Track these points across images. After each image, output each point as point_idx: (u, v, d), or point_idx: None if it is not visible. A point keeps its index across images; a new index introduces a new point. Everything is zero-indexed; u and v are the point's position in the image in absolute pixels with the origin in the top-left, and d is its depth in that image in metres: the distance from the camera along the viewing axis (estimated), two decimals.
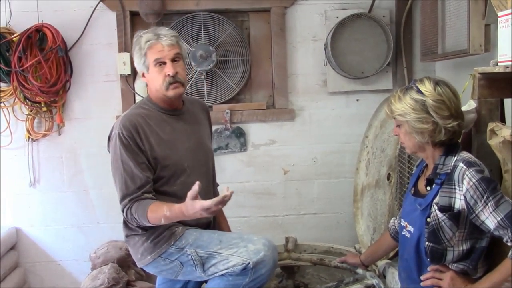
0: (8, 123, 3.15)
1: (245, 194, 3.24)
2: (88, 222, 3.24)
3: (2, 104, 3.12)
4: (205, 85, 3.16)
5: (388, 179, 2.58)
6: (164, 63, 2.05)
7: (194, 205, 1.85)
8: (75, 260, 3.25)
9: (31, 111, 3.12)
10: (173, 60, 2.05)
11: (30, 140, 3.19)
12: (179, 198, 2.00)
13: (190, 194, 1.86)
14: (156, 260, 2.09)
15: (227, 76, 3.17)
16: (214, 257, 2.02)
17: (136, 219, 1.99)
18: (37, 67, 2.97)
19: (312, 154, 3.26)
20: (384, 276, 2.25)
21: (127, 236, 2.14)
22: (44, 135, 3.19)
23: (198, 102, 2.41)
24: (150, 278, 2.95)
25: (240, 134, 3.20)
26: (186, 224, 2.11)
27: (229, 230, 2.42)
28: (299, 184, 3.27)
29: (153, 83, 2.10)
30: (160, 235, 2.07)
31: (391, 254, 2.25)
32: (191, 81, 3.12)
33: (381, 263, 2.29)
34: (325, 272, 2.73)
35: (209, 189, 2.26)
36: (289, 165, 3.26)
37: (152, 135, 2.08)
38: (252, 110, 3.20)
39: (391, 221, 2.09)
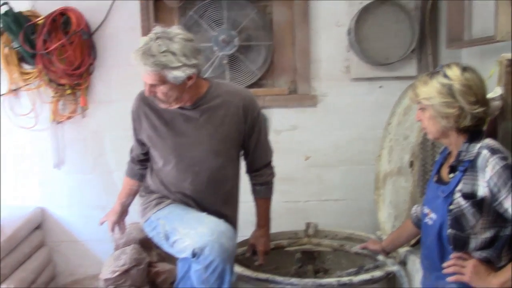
0: (34, 106, 3.20)
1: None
2: (111, 203, 3.19)
3: (27, 87, 3.18)
4: (227, 69, 3.16)
5: (410, 166, 2.56)
6: None
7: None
8: (98, 240, 3.30)
9: (55, 93, 3.17)
10: (152, 85, 2.03)
11: (55, 122, 3.24)
12: (166, 184, 2.25)
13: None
14: (145, 225, 2.28)
15: (249, 61, 3.16)
16: (174, 233, 2.10)
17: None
18: (61, 50, 3.00)
19: (334, 140, 3.24)
20: (405, 264, 2.25)
21: (139, 195, 2.40)
22: (69, 118, 3.23)
23: (237, 96, 2.22)
24: (171, 260, 2.98)
25: (265, 119, 3.18)
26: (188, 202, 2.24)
27: (263, 217, 2.44)
28: (320, 170, 3.26)
29: None
30: (149, 202, 2.25)
31: (413, 241, 2.24)
32: (212, 66, 3.12)
33: (403, 250, 2.29)
34: (345, 258, 2.73)
35: (213, 189, 2.25)
36: (311, 151, 3.25)
37: (146, 118, 2.20)
38: (274, 96, 3.20)
39: (413, 208, 2.08)
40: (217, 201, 2.27)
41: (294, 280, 2.15)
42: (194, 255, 1.99)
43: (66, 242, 3.35)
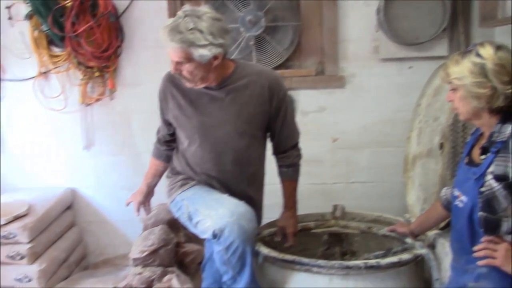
0: (63, 88, 3.25)
1: None
2: (139, 185, 3.31)
3: (57, 69, 3.22)
4: (253, 50, 3.13)
5: (440, 148, 2.51)
6: None
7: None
8: (128, 220, 3.34)
9: (84, 76, 3.20)
10: (176, 62, 2.04)
11: (84, 104, 3.28)
12: (191, 164, 2.26)
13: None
14: (171, 206, 2.32)
15: (276, 41, 3.13)
16: (196, 214, 2.13)
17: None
18: (89, 32, 3.02)
19: (362, 122, 3.20)
20: (434, 247, 2.22)
21: (166, 177, 2.42)
22: (97, 100, 3.27)
23: (263, 76, 2.21)
24: (199, 240, 3.00)
25: (291, 101, 3.14)
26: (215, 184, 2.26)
27: (290, 199, 2.44)
28: (348, 152, 3.23)
29: None
30: (175, 183, 2.28)
31: (442, 224, 2.20)
32: (239, 47, 3.10)
33: (431, 233, 2.25)
34: (373, 241, 2.71)
35: (238, 170, 2.26)
36: (338, 133, 3.22)
37: (173, 98, 2.21)
38: (301, 77, 3.16)
39: (443, 190, 2.04)
40: (241, 182, 2.28)
41: (320, 261, 2.14)
42: (214, 236, 2.01)
43: (96, 222, 3.42)
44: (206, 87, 2.15)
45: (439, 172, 2.50)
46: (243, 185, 2.29)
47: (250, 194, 2.32)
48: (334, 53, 3.14)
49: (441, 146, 2.51)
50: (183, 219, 2.25)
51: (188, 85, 2.12)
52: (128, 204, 2.52)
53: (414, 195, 2.76)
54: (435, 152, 2.57)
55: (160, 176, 2.49)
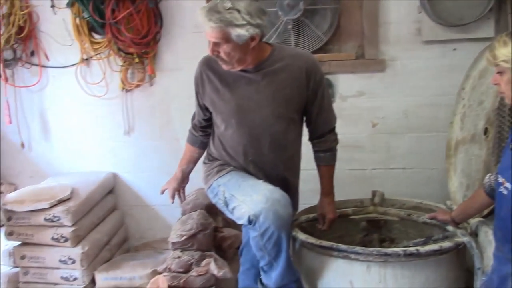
0: (104, 74, 3.30)
1: None
2: None
3: (98, 56, 3.27)
4: (292, 34, 3.09)
5: (485, 133, 2.43)
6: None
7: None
8: (167, 205, 3.36)
9: (124, 62, 3.25)
10: (214, 43, 2.03)
11: (124, 90, 3.33)
12: (227, 149, 2.26)
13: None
14: (208, 192, 2.33)
15: (315, 25, 3.07)
16: (232, 200, 2.13)
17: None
18: (129, 19, 3.05)
19: (403, 106, 3.12)
20: (477, 235, 2.15)
21: (202, 163, 2.43)
22: (137, 86, 3.31)
23: (297, 59, 2.19)
24: (237, 225, 3.02)
25: (327, 85, 3.11)
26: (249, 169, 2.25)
27: (328, 185, 2.41)
28: (388, 137, 3.16)
29: None
30: (212, 169, 2.28)
31: (485, 212, 2.13)
32: (277, 31, 3.07)
33: (474, 221, 2.18)
34: (413, 228, 2.66)
35: (274, 154, 2.24)
36: (378, 118, 3.15)
37: (210, 82, 2.21)
38: (340, 61, 3.11)
39: (487, 177, 1.97)
40: (278, 166, 2.27)
41: (358, 248, 2.11)
42: (250, 222, 2.01)
43: (137, 206, 3.49)
44: (242, 70, 2.14)
45: (483, 158, 2.42)
46: (280, 169, 2.28)
47: (287, 179, 2.31)
48: (374, 36, 3.07)
49: (486, 131, 2.42)
50: (220, 205, 2.26)
51: (225, 67, 2.11)
52: (163, 192, 2.55)
53: (456, 182, 2.68)
54: (479, 138, 2.48)
55: (195, 162, 2.51)
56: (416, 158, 3.14)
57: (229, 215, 2.23)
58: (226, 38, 1.99)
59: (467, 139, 2.63)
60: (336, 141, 2.38)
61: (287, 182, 2.30)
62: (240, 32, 1.97)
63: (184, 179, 2.52)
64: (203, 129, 2.40)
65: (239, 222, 2.13)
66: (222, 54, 2.05)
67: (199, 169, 2.51)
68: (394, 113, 3.13)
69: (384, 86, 3.11)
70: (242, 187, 2.13)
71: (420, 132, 3.11)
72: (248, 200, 2.05)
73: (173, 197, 2.52)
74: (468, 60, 2.77)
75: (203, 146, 2.44)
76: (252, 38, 2.02)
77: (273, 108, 2.17)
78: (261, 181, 2.17)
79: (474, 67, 2.68)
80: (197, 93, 2.32)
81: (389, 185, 3.10)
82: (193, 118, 2.44)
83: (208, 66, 2.23)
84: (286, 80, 2.16)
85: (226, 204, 2.18)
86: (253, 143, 2.21)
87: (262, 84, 2.16)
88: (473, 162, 2.54)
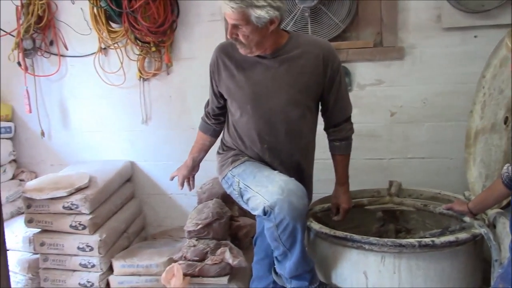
0: (122, 63, 3.32)
1: None
2: None
3: (115, 45, 3.29)
4: (309, 22, 3.05)
5: (505, 123, 2.37)
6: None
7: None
8: (184, 194, 3.40)
9: (141, 51, 3.26)
10: (233, 25, 2.01)
11: (141, 79, 3.35)
12: (242, 137, 2.25)
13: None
14: (222, 182, 2.31)
15: (332, 12, 3.03)
16: (247, 191, 2.12)
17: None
18: (145, 7, 3.05)
19: (422, 95, 3.06)
20: (494, 226, 2.11)
21: (216, 153, 2.41)
22: (154, 75, 3.33)
23: (314, 46, 2.17)
24: (253, 215, 3.02)
25: (345, 73, 3.07)
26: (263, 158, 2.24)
27: (343, 174, 2.40)
28: (406, 126, 3.11)
29: None
30: (227, 159, 2.26)
31: (504, 203, 2.09)
32: (294, 19, 3.04)
33: (492, 212, 2.14)
34: (430, 219, 2.62)
35: (290, 142, 2.22)
36: (396, 107, 3.10)
37: (226, 69, 2.19)
38: (358, 49, 3.06)
39: (505, 167, 1.92)
40: (294, 154, 2.26)
41: (372, 239, 2.09)
42: (265, 213, 2.00)
43: (154, 194, 3.52)
44: (259, 56, 2.14)
45: (503, 148, 2.36)
46: (296, 157, 2.27)
47: (302, 167, 2.30)
48: (393, 23, 3.01)
49: (506, 120, 2.36)
50: (235, 196, 2.25)
51: (243, 51, 2.10)
52: (172, 179, 2.56)
53: (475, 172, 2.63)
54: (499, 127, 2.42)
55: (206, 151, 2.51)
56: (435, 148, 3.08)
57: (244, 206, 2.22)
58: (246, 20, 1.98)
59: (487, 129, 2.57)
60: (352, 130, 2.35)
61: (301, 171, 2.29)
62: (260, 14, 1.96)
63: (194, 167, 2.52)
64: (216, 117, 2.39)
65: (254, 212, 2.13)
66: (240, 37, 2.04)
67: (215, 158, 2.51)
68: (412, 101, 3.07)
69: (402, 74, 3.06)
70: (257, 177, 2.12)
71: (439, 121, 3.05)
72: (263, 191, 2.04)
73: (182, 185, 2.53)
74: (489, 48, 2.70)
75: (216, 134, 2.45)
76: (271, 21, 2.01)
77: (290, 95, 2.16)
78: (276, 172, 2.16)
79: (494, 55, 2.61)
80: (212, 80, 2.31)
81: (406, 175, 3.05)
82: (206, 106, 2.44)
83: (224, 52, 2.22)
84: (303, 67, 2.15)
85: (241, 195, 2.17)
86: (269, 130, 2.19)
87: (279, 71, 2.15)
88: (492, 152, 2.48)
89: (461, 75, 2.97)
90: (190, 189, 2.60)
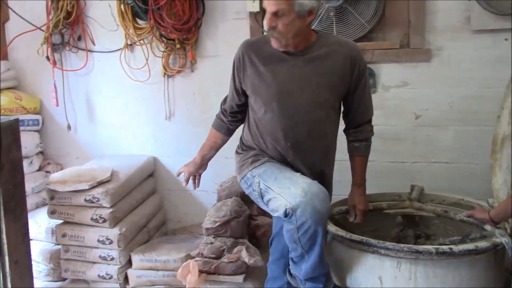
0: (147, 60, 3.35)
1: (372, 137, 3.07)
2: (217, 156, 3.31)
3: (141, 42, 3.32)
4: (334, 22, 3.02)
5: None
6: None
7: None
8: (204, 191, 3.44)
9: (166, 48, 3.28)
10: (274, 13, 2.00)
11: (166, 76, 3.37)
12: (264, 136, 2.22)
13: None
14: (241, 182, 2.29)
15: (358, 12, 2.98)
16: (268, 192, 2.08)
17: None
18: (171, 4, 3.07)
19: (448, 98, 2.99)
20: None
21: (235, 153, 2.39)
22: (178, 72, 3.35)
23: (342, 47, 2.19)
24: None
25: (370, 74, 3.03)
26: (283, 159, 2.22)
27: (361, 176, 2.36)
28: (431, 130, 3.04)
29: None
30: (247, 159, 2.24)
31: None
32: (319, 18, 3.01)
33: None
34: (452, 225, 2.56)
35: (313, 142, 2.20)
36: (422, 110, 3.04)
37: (252, 65, 2.18)
38: (383, 50, 3.01)
39: None
40: (316, 155, 2.24)
41: (388, 244, 2.05)
42: (286, 215, 1.98)
43: (176, 190, 3.54)
44: (287, 54, 2.14)
45: None
46: (317, 158, 2.25)
47: (323, 168, 2.29)
48: (420, 25, 2.95)
49: None
50: (254, 196, 2.23)
51: (277, 44, 2.09)
52: (178, 174, 2.55)
53: (500, 179, 2.55)
54: None
55: (217, 149, 2.50)
56: (460, 153, 3.01)
57: (263, 207, 2.20)
58: (290, 7, 1.99)
59: None
60: (372, 132, 2.34)
61: (322, 172, 2.28)
62: (303, 2, 1.99)
63: (202, 165, 2.51)
64: (234, 114, 2.38)
65: (274, 214, 2.11)
66: (280, 27, 2.03)
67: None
68: (438, 105, 3.01)
69: (429, 76, 2.99)
70: (279, 179, 2.10)
71: (465, 125, 2.98)
72: (286, 192, 2.01)
73: (187, 181, 2.51)
74: None
75: (229, 133, 2.44)
76: (310, 12, 2.04)
77: (316, 94, 2.15)
78: (298, 174, 2.14)
79: None
80: (235, 76, 2.29)
81: (430, 180, 2.99)
82: (223, 103, 2.43)
83: (251, 48, 2.21)
84: (331, 67, 2.15)
85: (261, 196, 2.15)
86: (294, 128, 2.17)
87: (306, 69, 2.14)
88: None
89: (490, 79, 2.89)
90: (195, 187, 2.57)
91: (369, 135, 2.34)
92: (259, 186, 2.15)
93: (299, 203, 1.95)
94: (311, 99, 2.15)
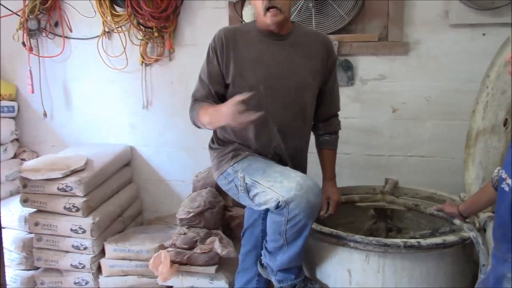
0: (124, 48, 3.31)
1: (349, 130, 3.03)
2: (195, 146, 3.33)
3: (119, 29, 3.27)
4: (313, 13, 2.99)
5: (504, 125, 2.30)
6: None
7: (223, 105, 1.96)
8: (181, 181, 3.42)
9: (144, 36, 3.24)
10: None
11: (143, 64, 3.33)
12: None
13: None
14: (220, 178, 2.22)
15: (338, 4, 2.96)
16: (255, 186, 2.03)
17: (192, 119, 2.19)
18: None
19: (425, 92, 2.98)
20: (485, 230, 2.05)
21: (208, 148, 2.31)
22: (156, 60, 3.31)
23: (317, 36, 2.27)
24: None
25: (348, 67, 3.03)
26: (260, 153, 2.19)
27: (332, 169, 2.36)
28: (408, 123, 3.04)
29: (256, 7, 2.13)
30: (225, 154, 2.18)
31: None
32: (297, 8, 2.98)
33: (483, 216, 2.08)
34: (425, 219, 2.57)
35: (297, 129, 2.20)
36: (399, 103, 3.03)
37: (234, 50, 2.13)
38: (362, 42, 2.99)
39: (496, 170, 1.86)
40: (301, 139, 2.26)
41: (357, 237, 2.04)
42: (277, 207, 1.95)
43: (152, 180, 3.51)
44: (273, 37, 2.15)
45: (501, 150, 2.30)
46: (301, 143, 2.27)
47: (303, 154, 2.31)
48: (399, 17, 2.94)
49: (505, 122, 2.29)
50: (235, 192, 2.16)
51: (276, 18, 2.07)
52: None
53: (473, 173, 2.56)
54: (499, 129, 2.36)
55: None
56: (437, 147, 3.01)
57: (246, 202, 2.14)
58: None
59: (488, 130, 2.49)
60: (339, 125, 2.37)
61: (302, 158, 2.31)
62: None
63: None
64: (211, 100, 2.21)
65: (259, 208, 2.07)
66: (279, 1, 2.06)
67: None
68: (416, 98, 3.00)
69: (406, 70, 2.99)
70: (268, 173, 2.05)
71: (442, 119, 2.98)
72: (277, 186, 1.97)
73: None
74: (497, 46, 2.61)
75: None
76: None
77: (303, 78, 2.17)
78: (288, 168, 2.11)
79: (499, 54, 2.52)
80: (218, 60, 2.15)
81: (406, 173, 3.01)
82: (194, 95, 2.26)
83: (232, 33, 2.17)
84: (312, 52, 2.19)
85: (247, 190, 2.08)
86: (281, 111, 2.14)
87: (291, 53, 2.16)
88: (491, 154, 2.41)
89: (467, 73, 2.89)
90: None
91: (337, 128, 2.37)
92: (244, 180, 2.08)
93: (294, 196, 1.92)
94: (299, 82, 2.16)
